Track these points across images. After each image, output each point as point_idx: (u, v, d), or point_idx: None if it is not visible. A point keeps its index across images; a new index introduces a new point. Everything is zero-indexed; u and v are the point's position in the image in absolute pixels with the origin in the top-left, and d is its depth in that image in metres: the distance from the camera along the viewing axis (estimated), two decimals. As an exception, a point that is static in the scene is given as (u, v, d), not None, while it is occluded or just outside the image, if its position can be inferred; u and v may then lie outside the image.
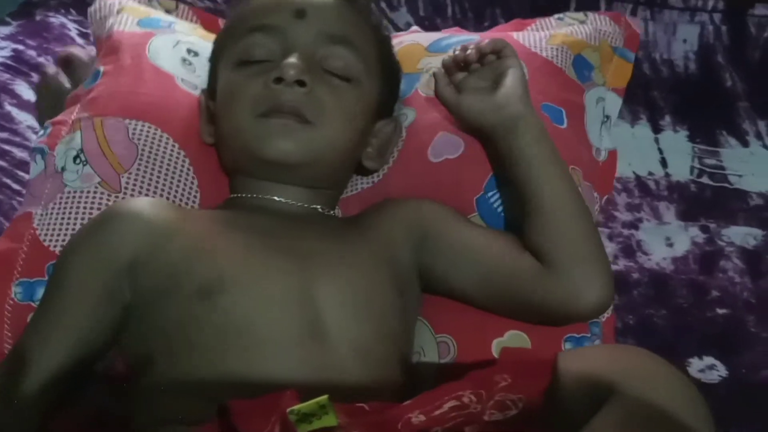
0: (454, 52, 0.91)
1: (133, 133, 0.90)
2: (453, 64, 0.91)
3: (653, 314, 1.06)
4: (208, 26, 1.11)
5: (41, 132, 0.94)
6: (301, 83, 0.80)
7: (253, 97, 0.81)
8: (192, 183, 0.91)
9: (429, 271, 0.83)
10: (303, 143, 0.81)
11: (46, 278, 0.82)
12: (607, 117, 1.03)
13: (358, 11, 0.90)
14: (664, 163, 1.30)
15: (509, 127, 0.84)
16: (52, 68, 1.09)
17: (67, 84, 1.07)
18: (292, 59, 0.81)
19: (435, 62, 0.97)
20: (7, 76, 1.26)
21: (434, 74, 0.93)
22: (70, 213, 0.86)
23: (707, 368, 0.99)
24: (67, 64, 1.08)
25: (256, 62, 0.84)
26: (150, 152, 0.90)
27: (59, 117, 0.95)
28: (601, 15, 1.11)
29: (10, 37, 1.34)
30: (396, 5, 1.49)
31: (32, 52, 1.31)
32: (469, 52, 0.89)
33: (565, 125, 0.94)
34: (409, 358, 0.83)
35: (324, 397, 0.60)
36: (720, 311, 1.07)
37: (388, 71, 0.92)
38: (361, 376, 0.72)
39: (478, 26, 1.43)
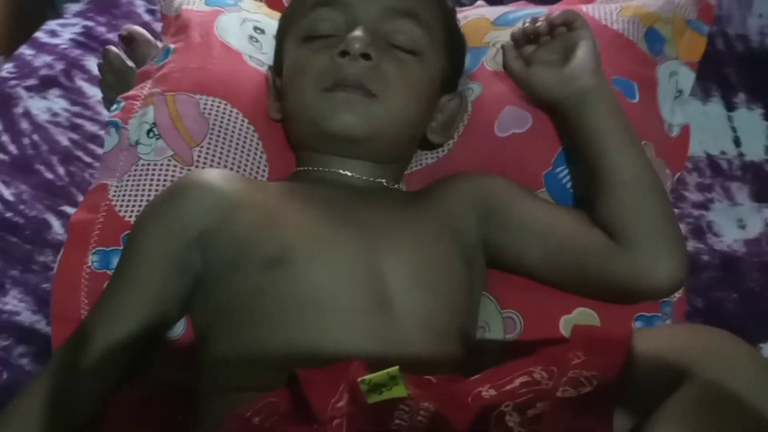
0: (523, 24, 0.89)
1: (204, 108, 0.92)
2: (522, 36, 0.89)
3: (723, 297, 1.04)
4: (272, 4, 1.12)
5: (114, 106, 0.96)
6: (366, 56, 0.80)
7: (319, 71, 0.82)
8: (261, 157, 0.92)
9: (495, 246, 0.83)
10: (367, 117, 0.81)
11: (121, 248, 0.84)
12: (680, 91, 1.00)
13: None
14: (737, 142, 1.26)
15: (580, 101, 0.82)
16: (113, 47, 1.12)
17: (129, 62, 1.09)
18: (358, 32, 0.81)
19: (501, 36, 0.96)
20: (78, 51, 1.30)
21: (503, 47, 0.92)
22: (144, 185, 0.88)
23: (779, 353, 0.97)
24: (129, 42, 1.10)
25: (321, 37, 0.84)
26: (221, 127, 0.91)
27: (131, 92, 0.96)
28: None
29: (80, 14, 1.38)
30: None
31: (102, 29, 1.35)
32: (539, 24, 0.87)
33: (637, 99, 0.92)
34: (474, 332, 0.83)
35: (395, 368, 0.61)
36: (794, 295, 1.04)
37: (453, 45, 0.91)
38: (425, 349, 0.72)
39: (549, 0, 1.40)
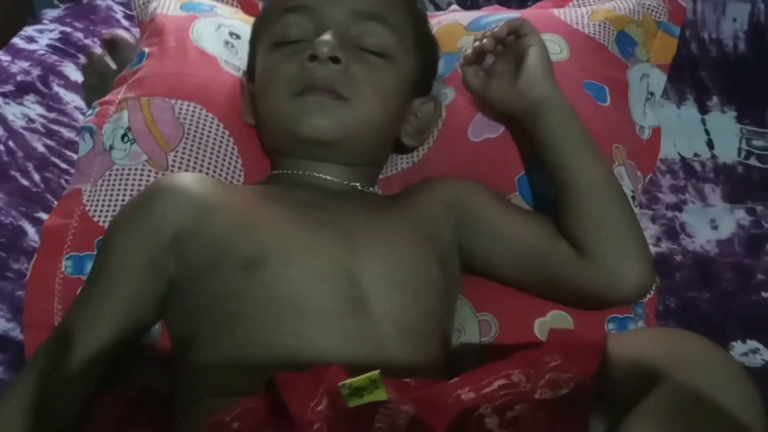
0: (474, 42, 0.89)
1: (179, 113, 0.92)
2: (474, 55, 0.90)
3: (696, 297, 1.05)
4: (248, 10, 1.13)
5: (89, 112, 0.96)
6: (335, 60, 0.81)
7: (289, 76, 0.82)
8: (236, 161, 0.92)
9: (467, 250, 0.83)
10: (338, 120, 0.81)
11: (95, 253, 0.84)
12: (651, 94, 1.02)
13: None
14: (710, 144, 1.27)
15: (534, 113, 0.83)
16: (98, 50, 1.12)
17: (113, 65, 1.09)
18: (326, 37, 0.81)
19: (474, 41, 0.96)
20: (55, 57, 1.29)
21: (459, 65, 0.92)
22: (118, 189, 0.87)
23: (750, 352, 0.98)
24: (113, 45, 1.10)
25: (291, 42, 0.85)
26: (196, 131, 0.91)
27: (107, 97, 0.96)
28: None
29: (58, 20, 1.37)
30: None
31: (79, 35, 1.34)
32: (485, 41, 0.87)
33: (608, 103, 0.93)
34: (450, 336, 0.83)
35: (375, 372, 0.61)
36: (765, 295, 1.05)
37: (425, 47, 0.92)
38: (402, 352, 0.73)
39: (521, 5, 1.41)
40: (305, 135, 0.81)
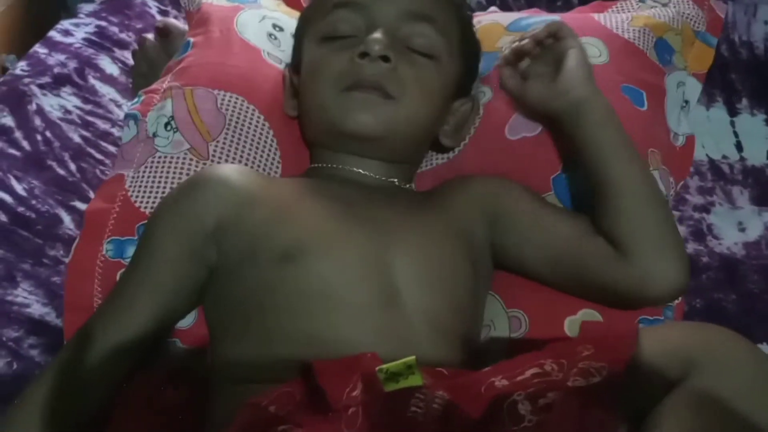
0: (512, 43, 0.90)
1: (222, 103, 0.93)
2: (513, 55, 0.90)
3: (722, 299, 1.05)
4: (290, 3, 1.13)
5: (135, 100, 0.97)
6: (385, 59, 0.81)
7: (338, 71, 0.83)
8: (275, 153, 0.93)
9: (501, 247, 0.84)
10: (383, 117, 0.82)
11: (136, 237, 0.85)
12: (687, 102, 1.01)
13: None
14: (739, 146, 1.27)
15: (573, 112, 0.83)
16: (150, 36, 1.12)
17: (163, 53, 1.10)
18: (377, 35, 0.82)
19: (514, 41, 0.96)
20: (91, 50, 1.31)
21: (497, 66, 0.93)
22: (160, 177, 0.88)
23: (777, 353, 0.98)
24: (165, 34, 1.11)
25: (340, 38, 0.85)
26: (237, 122, 0.92)
27: (152, 86, 0.98)
28: None
29: (93, 14, 1.39)
30: (468, -17, 1.48)
31: (114, 29, 1.36)
32: (524, 42, 0.88)
33: (645, 107, 0.93)
34: (479, 331, 0.84)
35: (411, 358, 0.62)
36: (792, 297, 1.05)
37: (469, 50, 0.92)
38: (432, 345, 0.73)
39: (551, 5, 1.41)
40: (350, 130, 0.82)
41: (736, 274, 1.09)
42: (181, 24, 1.14)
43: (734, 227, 1.15)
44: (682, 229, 1.13)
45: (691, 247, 1.11)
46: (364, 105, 0.81)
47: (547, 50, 0.87)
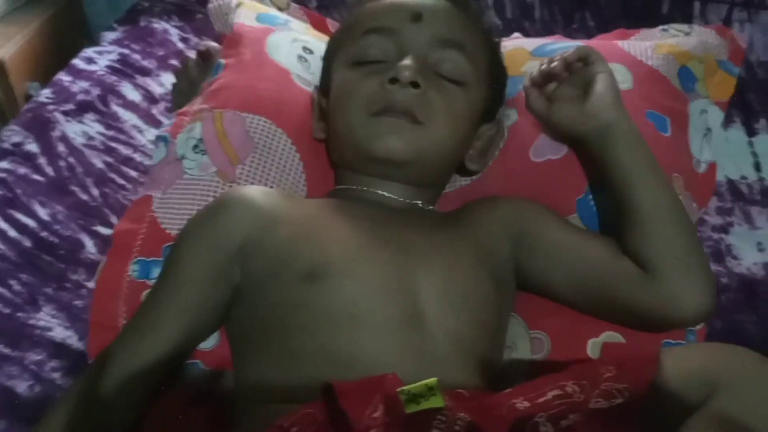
0: (541, 65, 0.91)
1: (250, 127, 0.94)
2: (541, 78, 0.91)
3: (743, 320, 1.04)
4: (317, 26, 1.15)
5: (167, 122, 0.99)
6: (415, 85, 0.82)
7: (368, 95, 0.84)
8: (301, 177, 0.94)
9: (525, 269, 0.84)
10: (412, 142, 0.83)
11: (162, 258, 0.86)
12: (709, 129, 1.02)
13: (470, 17, 0.92)
14: (757, 167, 1.26)
15: (602, 135, 0.83)
16: (193, 58, 1.14)
17: (203, 74, 1.11)
18: (408, 61, 0.83)
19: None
20: (114, 78, 1.32)
21: (524, 88, 0.93)
22: (187, 199, 0.90)
23: (797, 376, 0.97)
24: (206, 57, 1.12)
25: (371, 62, 0.87)
26: (264, 146, 0.93)
27: (184, 108, 0.99)
28: (706, 28, 1.10)
29: (116, 42, 1.41)
30: (483, 7, 1.50)
31: (137, 56, 1.38)
32: (554, 64, 0.89)
33: (668, 133, 0.94)
34: (501, 353, 0.84)
35: (433, 380, 0.62)
36: (812, 317, 1.04)
37: (496, 77, 0.94)
38: (455, 366, 0.74)
39: (567, 29, 1.41)
40: (379, 154, 0.83)
41: (757, 295, 1.07)
42: (220, 48, 1.15)
43: (753, 247, 1.13)
44: (700, 250, 1.12)
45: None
46: (393, 130, 0.83)
47: (575, 74, 0.88)
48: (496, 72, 0.93)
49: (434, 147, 0.84)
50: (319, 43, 1.03)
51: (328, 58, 0.95)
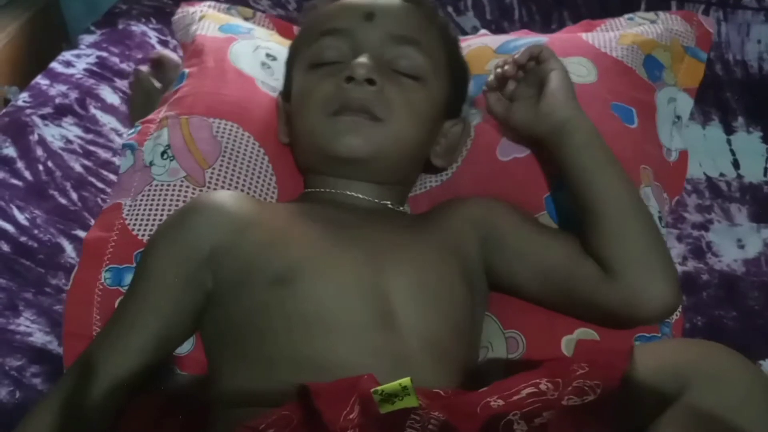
0: (495, 69, 0.90)
1: (217, 131, 0.94)
2: (496, 81, 0.91)
3: (723, 316, 1.05)
4: (283, 33, 1.15)
5: (132, 130, 0.99)
6: (370, 82, 0.83)
7: (325, 96, 0.84)
8: (271, 179, 0.94)
9: (493, 268, 0.84)
10: (372, 139, 0.83)
11: (134, 265, 0.86)
12: (678, 117, 1.02)
13: (425, 13, 0.92)
14: (736, 164, 1.28)
15: (557, 135, 0.83)
16: (145, 68, 1.14)
17: (158, 84, 1.12)
18: (362, 59, 0.83)
19: (503, 64, 0.98)
20: (92, 81, 1.32)
21: (483, 92, 0.93)
22: (157, 204, 0.90)
23: (778, 370, 0.98)
24: (159, 65, 1.13)
25: (327, 64, 0.87)
26: (232, 149, 0.93)
27: (149, 116, 0.99)
28: (672, 14, 1.10)
29: (94, 45, 1.40)
30: (463, 9, 1.50)
31: (115, 59, 1.38)
32: (506, 67, 0.88)
33: (635, 125, 0.94)
34: (477, 352, 0.84)
35: (407, 379, 0.63)
36: (793, 314, 1.05)
37: (456, 71, 0.94)
38: (429, 367, 0.74)
39: (546, 29, 1.42)
40: (339, 153, 0.83)
41: (737, 291, 1.08)
42: (175, 56, 1.16)
43: (733, 244, 1.15)
44: (681, 247, 1.13)
45: (690, 264, 1.11)
46: (352, 128, 0.83)
47: (530, 73, 0.88)
48: (455, 65, 0.93)
49: (395, 143, 0.84)
50: (282, 49, 1.03)
51: (289, 64, 0.96)
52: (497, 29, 1.42)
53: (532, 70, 0.87)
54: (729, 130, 1.34)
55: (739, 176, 1.26)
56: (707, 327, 1.03)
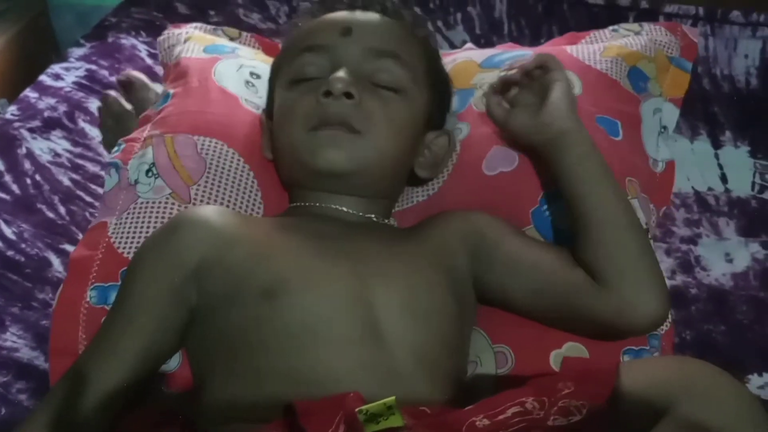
0: (501, 71, 0.91)
1: (202, 148, 0.94)
2: (501, 85, 0.92)
3: (712, 330, 1.05)
4: (268, 51, 1.16)
5: (115, 148, 0.99)
6: (348, 95, 0.83)
7: (305, 112, 0.85)
8: (256, 194, 0.94)
9: (483, 282, 0.84)
10: (352, 153, 0.83)
11: (119, 283, 0.85)
12: (664, 128, 1.03)
13: (403, 26, 0.93)
14: (724, 178, 1.28)
15: (555, 145, 0.84)
16: (112, 92, 1.14)
17: (127, 106, 1.12)
18: (340, 74, 0.84)
19: (488, 78, 0.98)
20: (81, 94, 1.32)
21: (484, 95, 0.94)
22: (142, 222, 0.90)
23: (767, 385, 0.98)
24: (128, 86, 1.13)
25: (307, 80, 0.87)
26: (217, 166, 0.93)
27: (132, 135, 0.99)
28: (656, 25, 1.11)
29: (84, 58, 1.41)
30: (452, 23, 1.51)
31: (104, 72, 1.38)
32: (513, 72, 0.90)
33: (620, 137, 0.95)
34: (465, 367, 0.84)
35: (391, 399, 0.62)
36: (782, 328, 1.05)
37: (437, 83, 0.94)
38: (417, 381, 0.74)
39: (535, 43, 1.43)
40: (320, 167, 0.83)
41: (725, 305, 1.09)
42: (143, 76, 1.15)
43: (722, 258, 1.15)
44: (670, 261, 1.13)
45: (679, 278, 1.11)
46: (332, 142, 0.83)
47: (535, 81, 0.89)
48: (436, 78, 0.94)
49: (376, 155, 0.85)
50: (266, 67, 1.03)
51: (271, 81, 0.96)
52: (486, 43, 1.42)
53: (537, 78, 0.88)
54: (717, 144, 1.34)
55: (727, 190, 1.26)
56: (696, 341, 1.03)
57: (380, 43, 0.88)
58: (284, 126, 0.88)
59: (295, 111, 0.86)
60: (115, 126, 1.10)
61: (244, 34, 1.23)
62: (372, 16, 0.91)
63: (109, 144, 1.09)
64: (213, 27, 1.22)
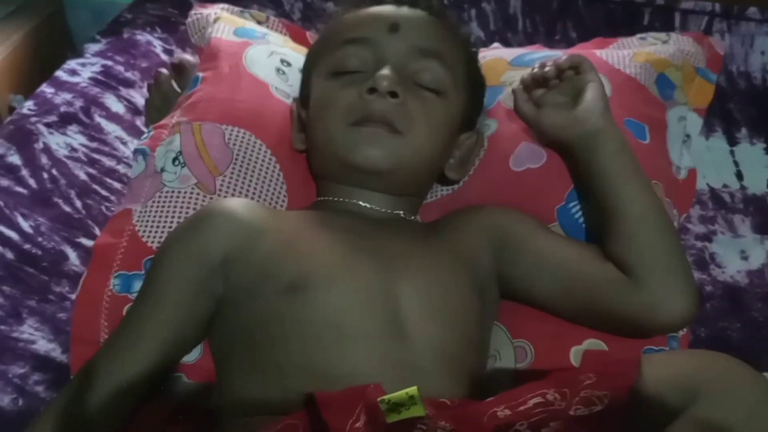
0: (532, 69, 0.92)
1: (229, 139, 0.94)
2: (532, 81, 0.92)
3: (727, 327, 1.05)
4: (297, 39, 1.15)
5: (144, 135, 0.99)
6: (393, 94, 0.83)
7: (347, 106, 0.84)
8: (281, 188, 0.94)
9: (509, 278, 0.84)
10: (391, 152, 0.83)
11: (143, 272, 0.85)
12: (688, 136, 1.03)
13: (448, 27, 0.93)
14: (739, 175, 1.28)
15: (589, 142, 0.84)
16: (165, 72, 1.14)
17: (177, 88, 1.11)
18: (386, 71, 0.83)
19: (517, 76, 0.98)
20: (97, 89, 1.32)
21: (513, 91, 0.94)
22: (167, 211, 0.89)
23: (782, 382, 0.97)
24: (179, 69, 1.12)
25: (349, 73, 0.87)
26: (244, 157, 0.93)
27: (162, 121, 0.99)
28: (684, 35, 1.11)
29: (99, 54, 1.41)
30: (466, 20, 1.51)
31: (120, 68, 1.38)
32: (547, 69, 0.89)
33: (647, 141, 0.94)
34: (485, 362, 0.84)
35: (413, 388, 0.63)
36: (797, 325, 1.05)
37: (474, 85, 0.94)
38: (438, 376, 0.74)
39: (549, 40, 1.43)
40: (359, 164, 0.83)
41: (740, 303, 1.08)
42: (195, 60, 1.15)
43: (737, 255, 1.15)
44: (685, 258, 1.13)
45: (694, 276, 1.10)
46: (373, 140, 0.83)
47: (565, 81, 0.89)
48: (474, 80, 0.94)
49: (414, 156, 0.84)
50: (297, 55, 1.03)
51: (307, 70, 0.95)
52: (501, 40, 1.42)
53: (568, 78, 0.89)
54: (732, 142, 1.34)
55: (743, 187, 1.26)
56: (711, 339, 1.03)
57: (426, 43, 0.88)
58: (323, 117, 0.87)
59: (335, 103, 0.85)
60: (162, 105, 1.10)
61: (272, 18, 1.22)
62: (419, 13, 0.91)
63: (152, 120, 1.08)
64: (240, 9, 1.21)
